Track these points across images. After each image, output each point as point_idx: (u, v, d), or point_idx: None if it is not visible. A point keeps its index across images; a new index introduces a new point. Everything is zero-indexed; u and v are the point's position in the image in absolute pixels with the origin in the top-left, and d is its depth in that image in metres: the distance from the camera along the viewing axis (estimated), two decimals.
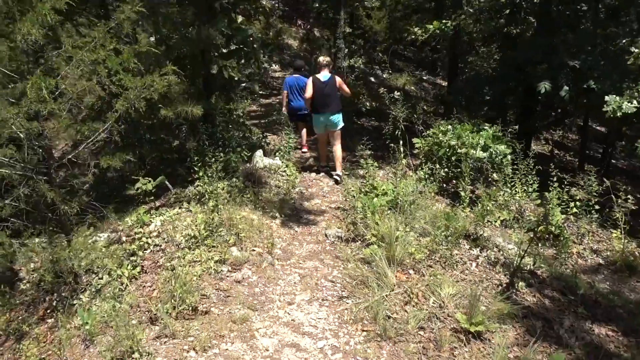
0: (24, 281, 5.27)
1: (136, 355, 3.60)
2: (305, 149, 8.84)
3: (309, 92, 7.31)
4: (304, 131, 8.87)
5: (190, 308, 4.17)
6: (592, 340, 4.45)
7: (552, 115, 12.35)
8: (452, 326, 4.09)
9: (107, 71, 4.63)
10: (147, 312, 4.20)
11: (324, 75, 7.35)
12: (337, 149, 7.52)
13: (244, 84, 11.49)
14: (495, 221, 6.22)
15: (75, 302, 4.75)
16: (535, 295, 5.08)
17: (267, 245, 5.30)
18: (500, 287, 4.97)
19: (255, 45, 8.73)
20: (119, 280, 4.76)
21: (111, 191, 7.74)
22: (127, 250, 5.16)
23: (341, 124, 7.48)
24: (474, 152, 7.08)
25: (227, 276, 4.75)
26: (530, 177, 6.98)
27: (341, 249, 5.42)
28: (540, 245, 5.99)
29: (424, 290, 4.51)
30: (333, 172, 7.66)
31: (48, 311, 4.85)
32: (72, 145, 9.24)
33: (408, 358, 3.76)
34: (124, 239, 5.57)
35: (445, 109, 13.38)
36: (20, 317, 4.88)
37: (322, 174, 7.83)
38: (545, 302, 5.01)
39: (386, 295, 4.38)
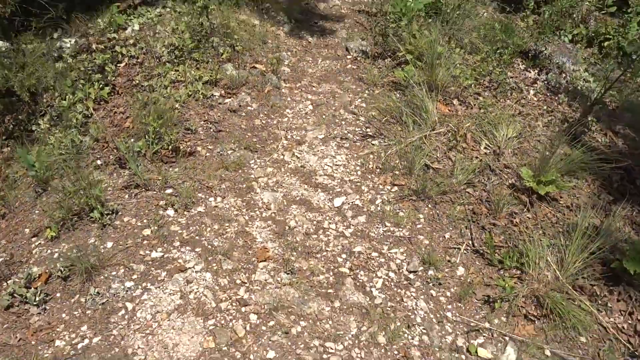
0: None
1: (96, 213, 2.73)
2: None
3: None
4: None
5: (169, 147, 3.20)
6: None
7: None
8: (510, 181, 3.13)
9: None
10: (115, 150, 3.25)
11: None
12: None
13: None
14: (565, 36, 4.89)
15: (34, 127, 3.82)
16: (607, 133, 4.06)
17: (271, 61, 4.12)
18: (565, 123, 3.92)
19: None
20: (84, 103, 3.75)
21: None
22: (96, 64, 4.07)
23: None
24: None
25: (220, 103, 3.68)
26: None
27: (366, 68, 4.26)
28: (603, 63, 4.78)
29: (473, 131, 3.46)
30: None
31: (4, 138, 3.95)
32: None
33: (453, 225, 2.86)
34: (94, 46, 4.42)
35: None
36: None
37: None
38: (619, 143, 4.01)
39: (425, 137, 3.35)
